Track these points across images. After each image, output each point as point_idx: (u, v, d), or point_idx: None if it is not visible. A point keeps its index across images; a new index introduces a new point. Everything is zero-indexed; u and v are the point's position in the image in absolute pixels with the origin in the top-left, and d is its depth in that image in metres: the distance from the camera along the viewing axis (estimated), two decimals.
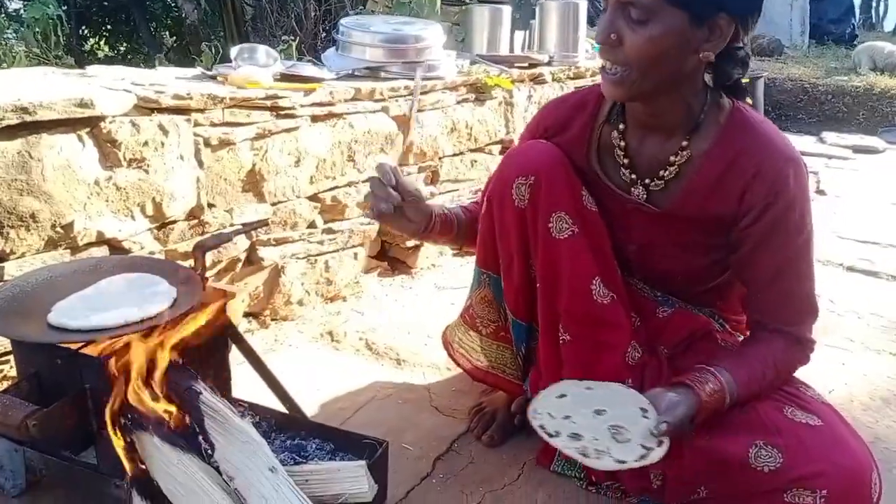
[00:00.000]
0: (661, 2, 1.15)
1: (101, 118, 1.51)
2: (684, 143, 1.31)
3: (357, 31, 2.36)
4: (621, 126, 1.37)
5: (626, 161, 1.38)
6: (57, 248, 1.50)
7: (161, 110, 1.64)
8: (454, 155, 2.53)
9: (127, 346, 1.19)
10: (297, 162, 1.97)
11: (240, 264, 1.91)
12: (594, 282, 1.37)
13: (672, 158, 1.33)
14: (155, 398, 1.19)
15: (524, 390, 1.57)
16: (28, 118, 1.37)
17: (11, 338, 1.21)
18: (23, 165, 1.39)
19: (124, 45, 6.99)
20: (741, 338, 1.55)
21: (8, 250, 1.42)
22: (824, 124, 5.65)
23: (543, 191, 1.37)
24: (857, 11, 10.29)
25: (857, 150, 4.99)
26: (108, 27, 7.04)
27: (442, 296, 2.32)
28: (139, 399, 1.17)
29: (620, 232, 1.41)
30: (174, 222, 1.72)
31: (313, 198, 2.07)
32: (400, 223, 1.42)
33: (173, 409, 1.19)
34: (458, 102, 2.51)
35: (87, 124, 1.49)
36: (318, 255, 2.10)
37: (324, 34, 4.08)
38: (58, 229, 1.47)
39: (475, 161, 2.61)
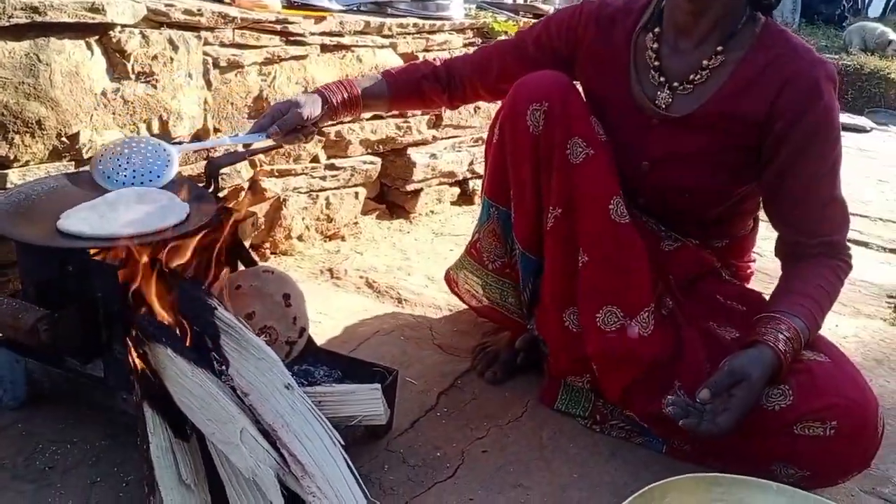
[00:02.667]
0: None
1: (112, 26, 1.45)
2: (719, 49, 1.32)
3: None
4: (657, 30, 1.38)
5: (656, 64, 1.38)
6: (61, 159, 1.45)
7: (171, 24, 1.58)
8: None
9: (140, 256, 1.15)
10: (305, 91, 1.91)
11: (242, 193, 1.86)
12: (612, 201, 1.35)
13: (705, 63, 1.33)
14: (169, 310, 1.16)
15: (528, 329, 1.56)
16: (38, 18, 1.31)
17: (22, 241, 1.16)
18: (30, 68, 1.33)
19: None
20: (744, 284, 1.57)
21: (12, 157, 1.36)
22: None
23: (558, 117, 1.36)
24: None
25: (846, 128, 5.02)
26: None
27: (440, 242, 2.30)
28: (153, 310, 1.14)
29: (636, 149, 1.39)
30: (180, 142, 1.67)
31: (318, 132, 2.02)
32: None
33: (187, 322, 1.16)
34: (465, 45, 2.46)
35: (96, 31, 1.43)
36: (319, 190, 2.07)
37: None
38: (63, 139, 1.42)
39: (478, 107, 2.56)
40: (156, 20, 1.55)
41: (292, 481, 1.03)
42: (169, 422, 1.11)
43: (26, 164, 1.39)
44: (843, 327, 2.01)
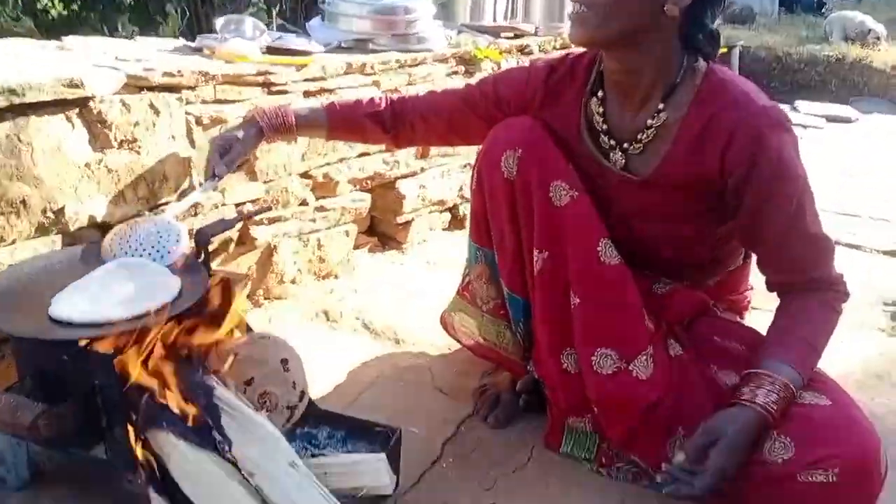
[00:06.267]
0: None
1: (90, 98, 1.44)
2: (661, 107, 1.32)
3: (344, 1, 2.29)
4: (600, 93, 1.39)
5: (604, 127, 1.39)
6: (48, 234, 1.44)
7: (151, 88, 1.57)
8: None
9: (136, 340, 1.14)
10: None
11: (232, 244, 1.86)
12: (601, 242, 1.36)
13: (649, 122, 1.34)
14: (168, 394, 1.15)
15: (527, 370, 1.56)
16: (17, 100, 1.30)
17: (15, 335, 1.16)
18: (12, 150, 1.33)
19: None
20: (737, 318, 1.57)
21: None
22: (797, 93, 5.70)
23: (535, 162, 1.38)
24: None
25: (831, 119, 5.05)
26: None
27: (433, 273, 2.30)
28: (152, 395, 1.13)
29: (604, 205, 1.41)
30: (166, 203, 1.66)
31: (305, 175, 2.02)
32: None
33: (187, 404, 1.15)
34: (448, 75, 2.45)
35: (76, 105, 1.42)
36: (310, 232, 2.06)
37: None
38: (49, 214, 1.41)
39: None
40: (136, 85, 1.54)
41: None
42: None
43: (13, 242, 1.38)
44: (843, 341, 2.01)
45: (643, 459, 1.36)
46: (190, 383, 1.17)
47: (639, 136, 1.36)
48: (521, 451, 1.49)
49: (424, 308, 2.02)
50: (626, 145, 1.38)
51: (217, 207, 1.77)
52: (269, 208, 1.78)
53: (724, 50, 4.97)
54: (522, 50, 2.84)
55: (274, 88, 1.84)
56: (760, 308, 1.66)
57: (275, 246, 1.95)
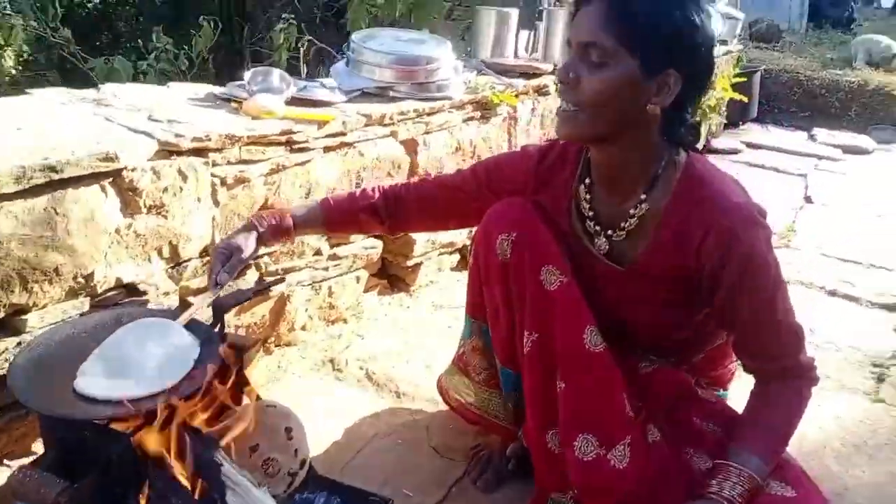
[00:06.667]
0: (620, 47, 1.25)
1: (124, 168, 1.53)
2: (643, 197, 1.39)
3: (368, 50, 2.36)
4: (587, 180, 1.47)
5: (591, 213, 1.47)
6: (77, 297, 1.54)
7: (180, 153, 1.66)
8: None
9: (153, 416, 1.25)
10: (308, 193, 2.01)
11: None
12: (587, 330, 1.43)
13: (632, 211, 1.41)
14: (178, 469, 1.26)
15: (518, 436, 1.66)
16: (55, 176, 1.40)
17: (42, 412, 1.26)
18: (48, 222, 1.43)
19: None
20: (718, 392, 1.66)
21: (31, 304, 1.46)
22: (816, 119, 5.71)
23: (527, 245, 1.46)
24: None
25: (847, 150, 5.06)
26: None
27: (439, 316, 2.39)
28: (164, 470, 1.24)
29: (592, 290, 1.47)
30: (188, 260, 1.76)
31: None
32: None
33: (196, 479, 1.26)
34: (465, 121, 2.54)
35: (109, 175, 1.52)
36: (322, 280, 2.16)
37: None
38: (79, 279, 1.52)
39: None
40: (166, 150, 1.64)
41: None
42: None
43: (44, 306, 1.49)
44: (824, 406, 2.08)
45: None
46: (200, 459, 1.27)
47: (622, 224, 1.43)
48: None
49: (427, 358, 2.12)
50: (610, 232, 1.46)
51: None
52: (283, 280, 1.88)
53: (745, 79, 5.00)
54: (539, 90, 2.91)
55: (296, 146, 1.93)
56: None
57: (288, 295, 2.05)
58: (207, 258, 1.80)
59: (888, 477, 1.79)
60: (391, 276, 2.51)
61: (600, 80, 1.27)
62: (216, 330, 1.48)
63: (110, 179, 1.53)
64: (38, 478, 1.18)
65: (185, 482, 1.25)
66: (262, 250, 1.73)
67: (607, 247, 1.47)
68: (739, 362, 1.68)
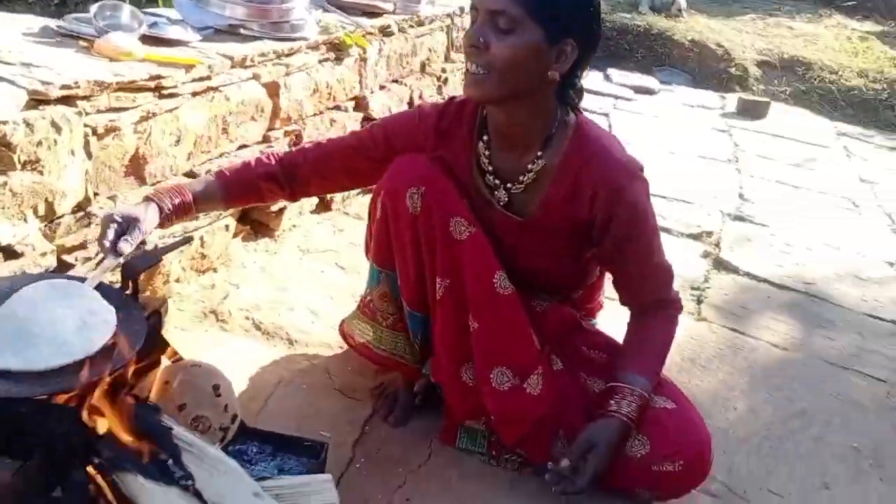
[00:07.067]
0: (526, 16, 1.35)
1: None
2: (539, 153, 1.53)
3: None
4: (485, 138, 1.57)
5: (490, 168, 1.58)
6: None
7: (48, 102, 1.51)
8: (315, 115, 2.54)
9: (94, 386, 1.18)
10: (178, 141, 1.91)
11: None
12: (497, 275, 1.55)
13: (529, 166, 1.54)
14: (126, 435, 1.21)
15: (422, 373, 1.76)
16: None
17: None
18: None
19: None
20: (593, 321, 1.87)
21: None
22: (609, 61, 6.19)
23: (435, 199, 1.53)
24: None
25: (638, 90, 5.57)
26: None
27: (308, 262, 2.39)
28: (115, 439, 1.19)
29: (492, 239, 1.59)
30: (61, 217, 1.62)
31: (189, 174, 2.01)
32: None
33: (145, 444, 1.22)
34: (320, 62, 2.50)
35: None
36: (193, 230, 2.07)
37: None
38: None
39: (334, 120, 2.63)
40: (35, 100, 1.48)
41: None
42: None
43: None
44: None
45: (530, 457, 1.63)
46: (146, 424, 1.23)
47: (520, 178, 1.55)
48: (420, 447, 1.69)
49: (310, 305, 2.14)
50: (509, 185, 1.57)
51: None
52: (191, 239, 1.79)
53: None
54: (384, 30, 2.92)
55: (164, 92, 1.81)
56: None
57: None
58: (81, 214, 1.67)
59: (719, 384, 2.10)
60: (254, 221, 2.45)
61: (508, 47, 1.36)
62: (128, 293, 1.40)
63: None
64: None
65: (134, 448, 1.21)
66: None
67: (506, 199, 1.58)
68: (606, 296, 1.91)
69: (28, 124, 1.44)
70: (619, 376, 1.56)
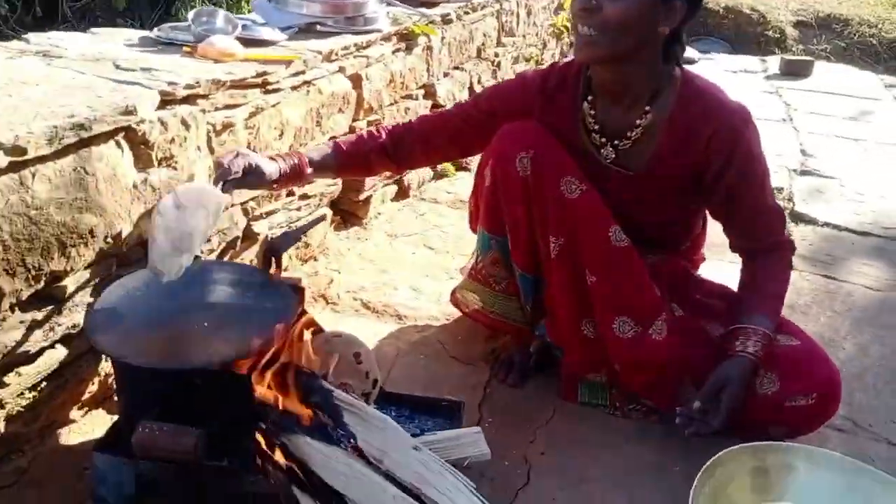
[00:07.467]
0: None
1: (139, 121, 1.46)
2: (647, 108, 1.58)
3: None
4: (590, 97, 1.62)
5: (595, 127, 1.63)
6: (106, 258, 1.47)
7: (175, 102, 1.60)
8: (391, 104, 2.62)
9: (261, 357, 1.27)
10: (281, 134, 1.99)
11: (238, 241, 1.93)
12: (612, 229, 1.60)
13: (637, 122, 1.59)
14: (292, 401, 1.29)
15: (536, 335, 1.82)
16: (84, 134, 1.32)
17: (168, 369, 1.23)
18: (79, 182, 1.35)
19: None
20: (698, 272, 1.91)
21: (69, 269, 1.38)
22: None
23: (546, 161, 1.59)
24: None
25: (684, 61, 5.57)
26: None
27: (399, 246, 2.47)
28: (285, 405, 1.27)
29: (602, 195, 1.64)
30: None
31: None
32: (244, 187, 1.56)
33: (308, 408, 1.30)
34: (393, 52, 2.57)
35: (123, 129, 1.45)
36: (296, 221, 2.16)
37: None
38: (108, 240, 1.45)
39: (408, 108, 2.71)
40: (165, 101, 1.57)
41: None
42: (318, 500, 1.26)
43: (76, 270, 1.41)
44: None
45: (657, 404, 1.67)
46: (309, 389, 1.31)
47: (628, 134, 1.60)
48: (544, 404, 1.75)
49: (411, 283, 2.21)
50: (616, 142, 1.62)
51: (226, 209, 1.83)
52: (324, 218, 1.88)
53: None
54: (444, 19, 2.98)
55: (270, 88, 1.90)
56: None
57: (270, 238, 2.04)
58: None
59: (823, 327, 2.12)
60: (343, 211, 2.53)
61: (621, 6, 1.42)
62: (272, 270, 1.48)
63: (123, 134, 1.45)
64: (167, 429, 1.17)
65: (299, 413, 1.28)
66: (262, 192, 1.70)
67: (613, 155, 1.63)
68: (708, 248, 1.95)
69: (162, 122, 1.53)
70: (740, 319, 1.60)
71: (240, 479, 1.33)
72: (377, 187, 2.58)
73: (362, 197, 2.50)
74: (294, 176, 1.63)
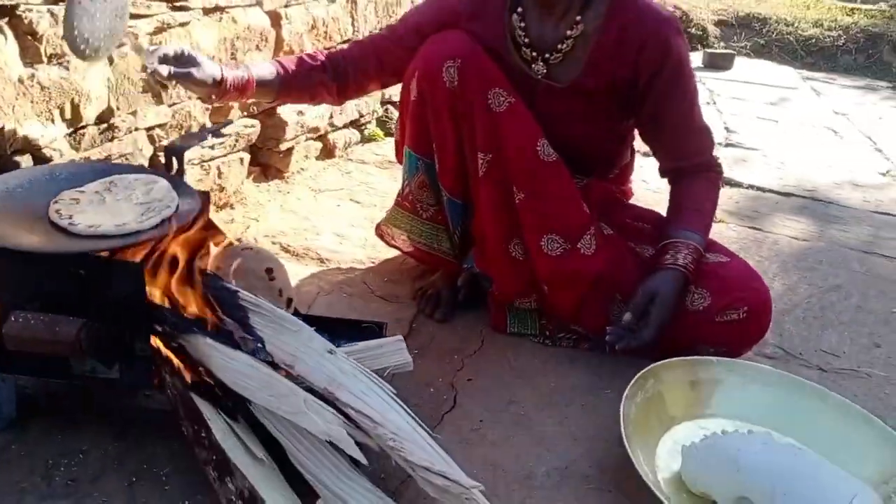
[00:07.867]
0: None
1: (17, 6, 1.32)
2: (577, 19, 1.52)
3: None
4: (519, 10, 1.55)
5: (526, 41, 1.56)
6: None
7: None
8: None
9: (156, 251, 1.14)
10: None
11: None
12: (539, 143, 1.53)
13: (568, 32, 1.53)
14: (192, 302, 1.16)
15: (464, 268, 1.74)
16: None
17: (39, 252, 1.08)
18: None
19: None
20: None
21: None
22: None
23: (472, 70, 1.51)
24: None
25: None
26: None
27: (323, 199, 2.35)
28: (183, 303, 1.14)
29: (532, 111, 1.57)
30: (85, 127, 1.57)
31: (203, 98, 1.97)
32: (187, 84, 1.43)
33: (211, 308, 1.17)
34: None
35: (4, 13, 1.30)
36: (210, 160, 2.02)
37: None
38: None
39: None
40: None
41: (362, 436, 1.12)
42: (220, 407, 1.13)
43: None
44: None
45: (586, 328, 1.60)
46: (212, 289, 1.18)
47: (559, 47, 1.54)
48: (472, 336, 1.66)
49: (335, 230, 2.10)
50: (547, 55, 1.56)
51: (130, 133, 1.69)
52: (231, 121, 1.74)
53: None
54: None
55: (177, 4, 1.77)
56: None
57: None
58: (104, 126, 1.62)
59: None
60: (264, 164, 2.40)
61: None
62: (174, 172, 1.35)
63: (6, 19, 1.31)
64: (44, 319, 1.03)
65: (205, 312, 1.16)
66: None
67: (545, 70, 1.56)
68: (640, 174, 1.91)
69: (53, 15, 1.38)
70: (670, 233, 1.56)
71: (133, 392, 1.20)
72: (300, 140, 2.46)
73: (283, 147, 2.38)
74: (238, 87, 1.50)
